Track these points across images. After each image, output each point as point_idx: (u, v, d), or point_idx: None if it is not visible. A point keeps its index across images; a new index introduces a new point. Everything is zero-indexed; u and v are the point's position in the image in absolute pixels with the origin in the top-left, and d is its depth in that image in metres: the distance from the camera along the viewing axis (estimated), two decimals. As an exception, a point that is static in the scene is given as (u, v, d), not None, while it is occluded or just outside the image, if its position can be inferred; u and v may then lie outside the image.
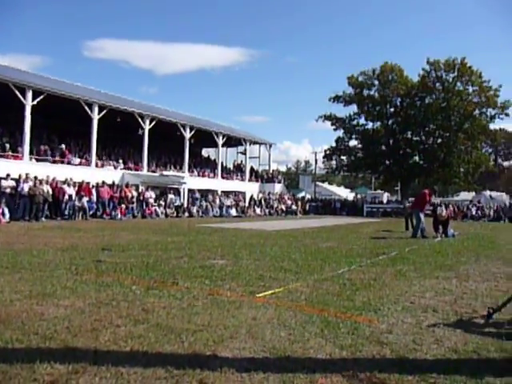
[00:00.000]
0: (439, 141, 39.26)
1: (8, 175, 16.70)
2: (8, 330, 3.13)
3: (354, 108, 41.79)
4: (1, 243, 8.62)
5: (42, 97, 20.44)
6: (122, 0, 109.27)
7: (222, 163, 34.25)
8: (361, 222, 22.45)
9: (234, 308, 3.97)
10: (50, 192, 17.17)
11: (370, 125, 42.05)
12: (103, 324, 3.36)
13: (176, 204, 24.55)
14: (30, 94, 20.08)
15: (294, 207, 31.75)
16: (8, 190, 16.27)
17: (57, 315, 3.56)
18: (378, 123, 41.74)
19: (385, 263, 7.22)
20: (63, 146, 23.13)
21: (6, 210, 15.14)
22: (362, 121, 41.90)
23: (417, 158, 40.95)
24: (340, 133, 42.24)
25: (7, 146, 20.81)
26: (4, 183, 16.32)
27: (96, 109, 22.96)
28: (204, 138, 31.77)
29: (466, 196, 45.96)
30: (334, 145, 42.68)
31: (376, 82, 40.48)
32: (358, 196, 46.10)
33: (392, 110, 41.18)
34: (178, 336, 3.14)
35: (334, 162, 44.58)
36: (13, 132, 22.17)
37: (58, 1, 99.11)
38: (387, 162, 41.10)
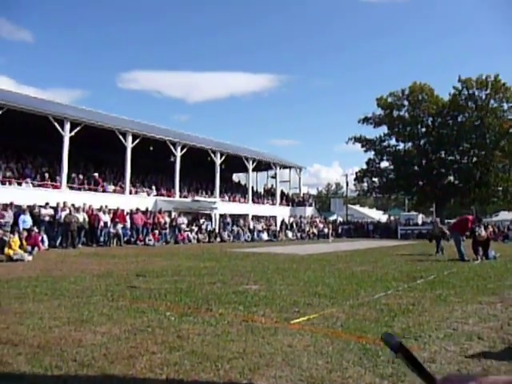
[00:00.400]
0: (474, 159, 38.22)
1: (47, 204, 17.30)
2: (47, 356, 3.18)
3: (384, 129, 41.47)
4: (40, 270, 8.87)
5: (79, 128, 21.27)
6: (153, 32, 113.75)
7: (252, 188, 34.40)
8: (395, 245, 21.90)
9: (268, 335, 3.90)
10: (87, 219, 17.66)
11: (401, 145, 41.56)
12: (139, 351, 3.37)
13: (208, 229, 24.72)
14: (68, 126, 20.94)
15: (325, 230, 31.36)
16: (47, 218, 16.82)
17: (94, 342, 3.59)
18: (410, 144, 41.16)
19: (423, 287, 6.98)
20: (96, 174, 23.80)
21: (45, 238, 15.64)
22: (393, 142, 41.48)
23: (451, 177, 39.94)
24: (371, 154, 41.89)
25: (46, 175, 21.67)
26: (43, 211, 16.91)
27: (130, 138, 23.67)
28: (234, 163, 32.10)
29: (505, 216, 44.10)
30: (364, 167, 42.27)
31: (406, 103, 40.15)
32: (392, 218, 45.09)
33: (423, 129, 40.58)
34: (214, 363, 3.11)
35: (365, 184, 44.00)
36: (51, 162, 23.07)
37: (93, 37, 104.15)
38: (420, 183, 40.26)
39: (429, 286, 7.20)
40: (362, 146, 41.83)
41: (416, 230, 34.29)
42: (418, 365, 0.90)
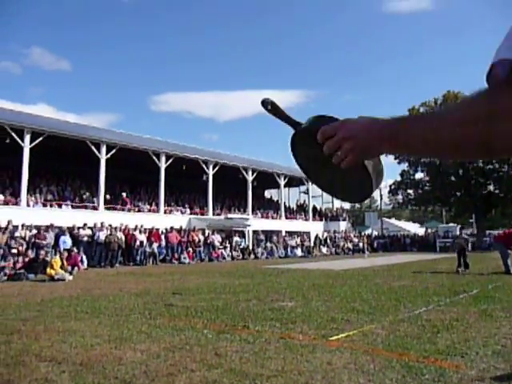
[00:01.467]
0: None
1: (85, 224, 17.83)
2: (90, 374, 3.24)
3: (417, 140, 40.64)
4: (80, 289, 9.10)
5: (114, 150, 21.95)
6: (181, 55, 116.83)
7: (284, 203, 34.33)
8: (434, 258, 21.23)
9: (307, 352, 3.84)
10: (123, 239, 18.07)
11: (435, 156, 40.56)
12: (178, 368, 3.38)
13: (241, 246, 24.76)
14: (104, 149, 21.66)
15: (360, 245, 30.79)
16: (85, 239, 17.32)
17: (134, 359, 3.64)
18: (445, 154, 40.15)
19: (466, 302, 6.71)
20: (124, 194, 24.09)
21: (84, 258, 16.08)
22: (427, 153, 40.55)
23: (491, 187, 38.57)
24: (404, 166, 41.07)
25: (84, 197, 22.40)
26: (82, 232, 17.42)
27: (163, 158, 24.21)
28: (266, 179, 32.19)
29: (551, 226, 42.14)
30: (398, 179, 41.48)
31: (439, 113, 39.29)
32: (429, 230, 43.83)
33: (459, 139, 39.54)
34: (253, 381, 3.08)
35: (400, 197, 43.09)
36: (89, 184, 23.84)
37: (126, 64, 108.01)
38: (458, 194, 39.08)
39: (473, 300, 6.92)
40: (395, 158, 41.03)
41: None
42: (285, 116, 1.00)
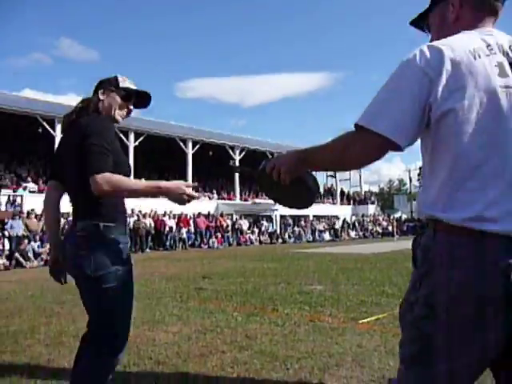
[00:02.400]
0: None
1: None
2: (126, 355, 3.34)
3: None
4: (113, 274, 9.36)
5: (142, 138, 22.28)
6: (205, 40, 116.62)
7: (311, 188, 34.12)
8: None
9: (337, 335, 3.85)
10: (153, 225, 18.43)
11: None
12: (209, 350, 3.45)
13: (269, 231, 24.86)
14: (132, 136, 22.02)
15: (390, 228, 30.41)
16: (120, 224, 17.78)
17: (167, 341, 3.74)
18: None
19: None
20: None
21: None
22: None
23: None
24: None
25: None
26: (115, 218, 17.89)
27: (190, 144, 24.44)
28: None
29: None
30: (429, 161, 40.58)
31: None
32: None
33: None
34: (283, 363, 3.12)
35: (430, 179, 42.21)
36: (119, 171, 24.36)
37: (151, 51, 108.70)
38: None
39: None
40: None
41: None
42: (248, 170, 1.60)
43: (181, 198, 1.94)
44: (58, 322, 4.57)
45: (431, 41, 1.33)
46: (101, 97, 2.05)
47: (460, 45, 1.17)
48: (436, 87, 1.13)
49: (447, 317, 1.14)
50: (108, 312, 1.91)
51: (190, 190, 1.90)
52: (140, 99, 2.17)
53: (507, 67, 1.17)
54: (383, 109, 1.16)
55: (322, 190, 37.13)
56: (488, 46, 1.19)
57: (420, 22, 1.43)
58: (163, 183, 1.95)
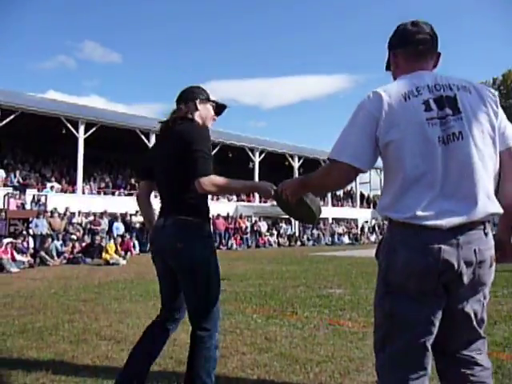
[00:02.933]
0: None
1: (137, 212, 18.45)
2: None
3: (471, 123, 38.88)
4: (134, 273, 9.49)
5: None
6: (225, 42, 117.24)
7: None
8: (490, 247, 20.29)
9: (357, 339, 3.83)
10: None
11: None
12: (230, 351, 3.47)
13: (288, 233, 24.82)
14: (153, 138, 22.26)
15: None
16: (137, 225, 17.97)
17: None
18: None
19: (525, 293, 6.41)
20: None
21: (136, 243, 16.73)
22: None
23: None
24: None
25: (137, 185, 23.14)
26: (134, 219, 18.09)
27: (210, 146, 24.59)
28: (312, 166, 31.82)
29: None
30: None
31: (496, 93, 37.32)
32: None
33: (518, 120, 37.44)
34: (303, 366, 3.11)
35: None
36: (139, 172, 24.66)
37: (172, 54, 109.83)
38: None
39: (532, 291, 6.59)
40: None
41: None
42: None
43: (267, 192, 2.19)
44: (81, 320, 4.66)
45: (394, 79, 1.78)
46: (198, 107, 2.34)
47: (395, 90, 1.58)
48: (379, 124, 1.54)
49: (398, 288, 1.57)
50: (205, 297, 2.20)
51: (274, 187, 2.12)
52: (218, 109, 2.51)
53: (432, 103, 1.56)
54: (346, 144, 1.58)
55: (341, 194, 36.90)
56: (417, 88, 1.58)
57: (388, 67, 1.86)
58: (255, 183, 2.76)
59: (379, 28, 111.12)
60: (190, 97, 2.34)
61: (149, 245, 2.23)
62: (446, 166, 1.52)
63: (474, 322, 1.61)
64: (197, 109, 2.32)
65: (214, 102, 2.43)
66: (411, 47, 1.68)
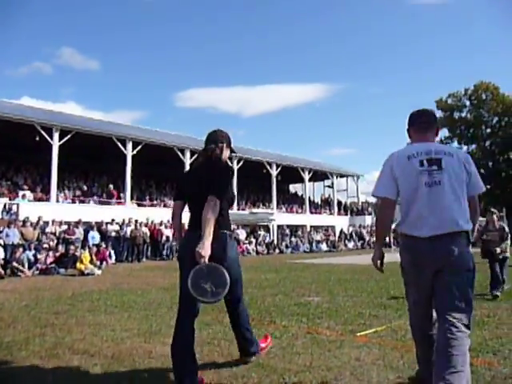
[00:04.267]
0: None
1: (113, 220, 18.18)
2: (121, 367, 3.31)
3: (444, 132, 39.87)
4: (109, 283, 9.30)
5: (140, 147, 22.27)
6: (206, 50, 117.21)
7: (309, 198, 34.17)
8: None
9: (335, 348, 3.82)
10: (148, 234, 18.33)
11: (464, 148, 39.68)
12: (206, 363, 3.41)
13: (266, 241, 24.80)
14: (130, 145, 22.01)
15: (387, 239, 30.36)
16: (113, 234, 17.67)
17: (163, 353, 3.69)
18: (474, 146, 39.29)
19: (498, 297, 6.54)
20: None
21: (112, 253, 16.43)
22: (455, 144, 39.72)
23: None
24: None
25: (111, 193, 22.78)
26: (110, 227, 17.79)
27: (188, 153, 24.42)
28: (290, 174, 32.10)
29: None
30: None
31: (467, 103, 38.38)
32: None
33: (488, 130, 38.62)
34: (281, 376, 3.08)
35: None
36: (116, 180, 24.29)
37: (152, 60, 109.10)
38: (488, 187, 38.10)
39: (504, 296, 6.74)
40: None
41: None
42: None
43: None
44: (53, 334, 4.51)
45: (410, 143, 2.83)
46: (224, 150, 3.11)
47: (403, 153, 2.65)
48: (394, 172, 2.61)
49: (404, 270, 2.74)
50: (239, 286, 3.31)
51: None
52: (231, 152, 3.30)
53: (425, 162, 2.56)
54: (379, 184, 2.68)
55: (319, 201, 37.18)
56: (417, 152, 2.60)
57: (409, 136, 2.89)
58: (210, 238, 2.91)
59: (359, 39, 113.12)
60: (219, 140, 3.09)
61: (178, 251, 2.70)
62: (429, 200, 2.52)
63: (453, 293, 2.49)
64: (223, 151, 3.09)
65: (232, 149, 3.24)
66: (416, 126, 2.77)
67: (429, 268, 2.50)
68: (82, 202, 21.19)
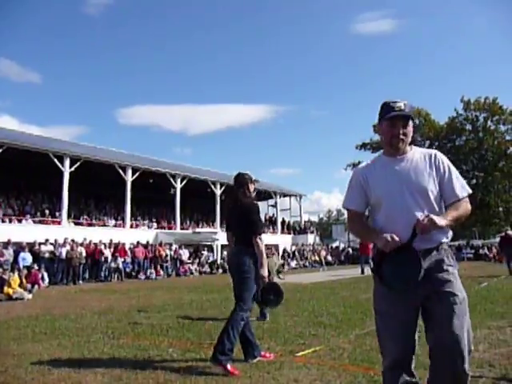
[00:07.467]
0: (474, 181, 38.40)
1: (47, 240, 17.20)
2: (46, 401, 3.08)
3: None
4: (40, 308, 8.72)
5: (78, 164, 21.42)
6: (151, 67, 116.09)
7: (253, 217, 34.27)
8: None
9: (274, 369, 3.79)
10: (84, 254, 17.47)
11: (400, 170, 41.75)
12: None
13: (209, 261, 24.50)
14: (67, 162, 21.11)
15: (329, 258, 31.08)
16: (47, 255, 16.69)
17: (94, 383, 3.49)
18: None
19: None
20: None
21: (45, 275, 15.47)
22: (392, 166, 41.74)
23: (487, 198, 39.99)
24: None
25: (47, 211, 21.65)
26: (43, 248, 16.80)
27: (129, 171, 23.81)
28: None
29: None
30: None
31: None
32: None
33: (421, 153, 40.96)
34: (218, 402, 3.00)
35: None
36: (51, 198, 23.13)
37: (94, 76, 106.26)
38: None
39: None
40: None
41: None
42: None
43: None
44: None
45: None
46: (247, 190, 4.29)
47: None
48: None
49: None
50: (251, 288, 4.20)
51: None
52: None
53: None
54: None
55: (264, 220, 37.42)
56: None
57: None
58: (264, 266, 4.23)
59: (303, 63, 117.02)
60: (244, 182, 4.25)
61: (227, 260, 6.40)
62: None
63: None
64: (246, 193, 4.25)
65: (253, 182, 4.37)
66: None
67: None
68: (12, 221, 19.89)
